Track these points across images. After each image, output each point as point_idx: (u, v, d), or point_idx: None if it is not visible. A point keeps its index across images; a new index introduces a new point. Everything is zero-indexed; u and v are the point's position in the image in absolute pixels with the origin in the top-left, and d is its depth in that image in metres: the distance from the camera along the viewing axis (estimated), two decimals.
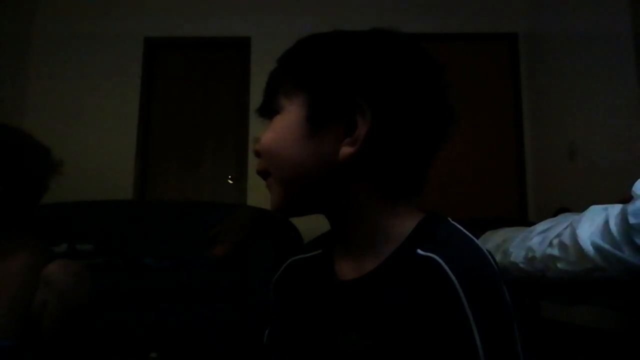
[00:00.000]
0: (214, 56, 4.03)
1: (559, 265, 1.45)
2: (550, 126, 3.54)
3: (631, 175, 1.34)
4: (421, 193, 0.61)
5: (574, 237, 1.37)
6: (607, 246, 1.25)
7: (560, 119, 3.38)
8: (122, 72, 3.86)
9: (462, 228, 0.57)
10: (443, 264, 0.51)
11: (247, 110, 3.61)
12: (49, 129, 2.84)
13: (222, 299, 2.42)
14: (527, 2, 3.84)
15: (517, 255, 1.71)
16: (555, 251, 1.48)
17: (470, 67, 3.76)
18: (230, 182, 3.84)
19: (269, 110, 0.62)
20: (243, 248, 2.63)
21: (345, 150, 0.56)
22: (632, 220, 1.18)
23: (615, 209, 1.29)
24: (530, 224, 2.09)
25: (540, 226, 1.71)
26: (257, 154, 0.62)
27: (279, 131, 0.60)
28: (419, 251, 0.54)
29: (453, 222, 0.58)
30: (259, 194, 3.20)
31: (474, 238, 0.55)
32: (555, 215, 2.06)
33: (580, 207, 1.57)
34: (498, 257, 1.81)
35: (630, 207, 1.20)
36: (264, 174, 0.62)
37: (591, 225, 1.34)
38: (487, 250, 0.55)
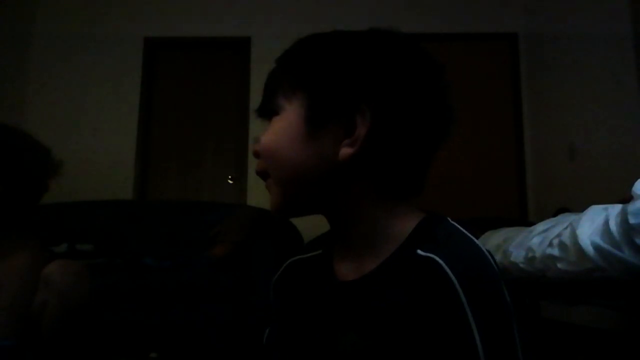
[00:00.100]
0: (214, 56, 4.03)
1: (559, 265, 1.45)
2: (550, 126, 3.54)
3: (631, 175, 1.34)
4: (421, 193, 0.61)
5: (574, 237, 1.37)
6: (607, 246, 1.25)
7: (560, 119, 3.38)
8: (122, 72, 3.86)
9: (462, 228, 0.57)
10: (443, 264, 0.51)
11: (247, 110, 3.61)
12: (49, 129, 2.85)
13: (222, 299, 2.42)
14: (527, 2, 3.84)
15: (517, 255, 1.71)
16: (555, 251, 1.48)
17: (470, 67, 3.75)
18: (230, 182, 3.84)
19: (268, 111, 0.62)
20: (243, 248, 2.63)
21: (345, 150, 0.56)
22: (632, 220, 1.18)
23: (615, 209, 1.29)
24: (530, 224, 2.08)
25: (540, 226, 1.71)
26: (257, 154, 0.62)
27: (278, 132, 0.60)
28: (419, 251, 0.54)
29: (453, 222, 0.58)
30: (259, 194, 3.20)
31: (473, 238, 0.55)
32: (555, 215, 2.06)
33: (580, 207, 1.57)
34: (498, 257, 1.81)
35: (630, 207, 1.20)
36: (263, 174, 0.62)
37: (591, 225, 1.34)
38: (487, 250, 0.55)
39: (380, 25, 0.61)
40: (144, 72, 3.90)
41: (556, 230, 1.54)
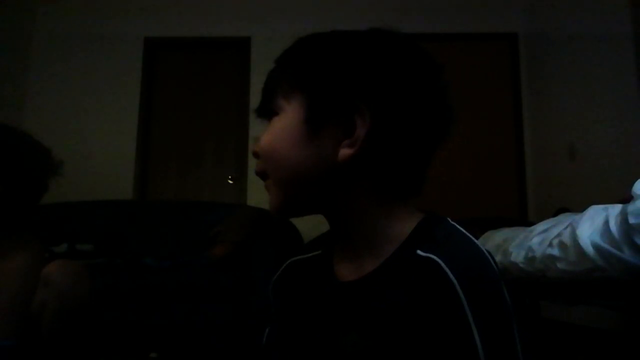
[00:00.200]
0: (214, 56, 4.03)
1: (559, 265, 1.45)
2: (550, 126, 3.54)
3: (631, 175, 1.34)
4: (420, 193, 0.61)
5: (574, 237, 1.37)
6: (607, 246, 1.25)
7: (560, 119, 3.38)
8: (122, 72, 3.86)
9: (461, 228, 0.57)
10: (443, 264, 0.51)
11: (247, 110, 3.60)
12: (49, 129, 2.84)
13: (222, 299, 2.42)
14: (527, 2, 3.84)
15: (517, 255, 1.71)
16: (555, 251, 1.48)
17: (470, 67, 3.75)
18: (230, 182, 3.84)
19: (267, 111, 0.62)
20: (243, 248, 2.63)
21: (345, 151, 0.56)
22: (632, 220, 1.18)
23: (615, 209, 1.29)
24: (530, 224, 2.08)
25: (540, 226, 1.71)
26: (256, 155, 0.62)
27: (277, 133, 0.59)
28: (419, 252, 0.54)
29: (452, 223, 0.58)
30: (259, 194, 3.19)
31: (473, 238, 0.55)
32: (555, 215, 2.06)
33: (580, 207, 1.57)
34: (498, 257, 1.81)
35: (630, 207, 1.20)
36: (262, 175, 0.62)
37: (591, 225, 1.34)
38: (487, 250, 0.55)
39: (380, 25, 0.61)
40: (144, 72, 3.90)
41: (556, 230, 1.54)
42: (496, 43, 3.92)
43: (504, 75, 3.89)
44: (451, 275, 0.50)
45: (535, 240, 1.63)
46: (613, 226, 1.25)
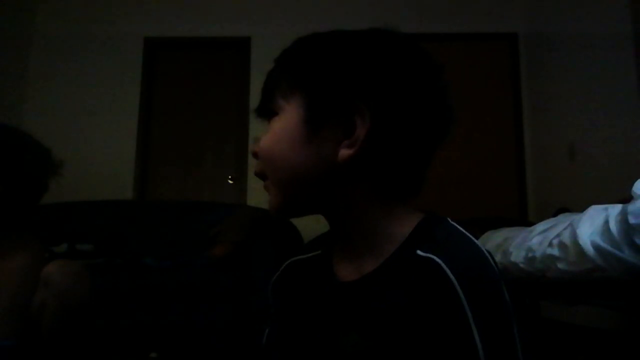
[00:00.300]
0: (214, 56, 4.03)
1: (559, 265, 1.45)
2: (550, 126, 3.54)
3: (631, 175, 1.34)
4: (420, 194, 0.61)
5: (574, 237, 1.37)
6: (607, 246, 1.25)
7: (560, 119, 3.38)
8: (122, 72, 3.86)
9: (461, 228, 0.57)
10: (443, 264, 0.51)
11: (247, 110, 3.60)
12: (49, 129, 2.84)
13: (222, 299, 2.42)
14: (527, 2, 3.84)
15: (517, 255, 1.71)
16: (555, 251, 1.48)
17: (470, 67, 3.75)
18: (230, 182, 3.84)
19: (267, 111, 0.61)
20: (243, 248, 2.63)
21: (344, 152, 0.56)
22: (632, 220, 1.18)
23: (615, 209, 1.29)
24: (530, 224, 2.08)
25: (540, 226, 1.71)
26: (255, 155, 0.61)
27: (277, 134, 0.59)
28: (419, 252, 0.54)
29: (452, 223, 0.57)
30: (259, 194, 3.18)
31: (473, 238, 0.55)
32: (555, 215, 2.06)
33: (580, 207, 1.57)
34: (498, 257, 1.81)
35: (630, 207, 1.20)
36: (262, 175, 0.61)
37: (591, 225, 1.34)
38: (487, 250, 0.55)
39: (380, 25, 0.61)
40: (144, 72, 3.90)
41: (556, 230, 1.54)
42: (496, 43, 3.92)
43: (504, 75, 3.89)
44: (451, 276, 0.50)
45: (535, 240, 1.63)
46: (613, 226, 1.25)
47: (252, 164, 0.62)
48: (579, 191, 3.02)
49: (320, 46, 0.60)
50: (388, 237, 0.58)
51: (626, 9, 2.63)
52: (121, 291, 2.32)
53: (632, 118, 2.61)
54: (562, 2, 3.37)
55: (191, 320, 2.37)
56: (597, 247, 1.28)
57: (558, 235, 1.50)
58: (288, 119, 0.58)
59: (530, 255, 1.62)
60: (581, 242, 1.32)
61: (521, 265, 1.67)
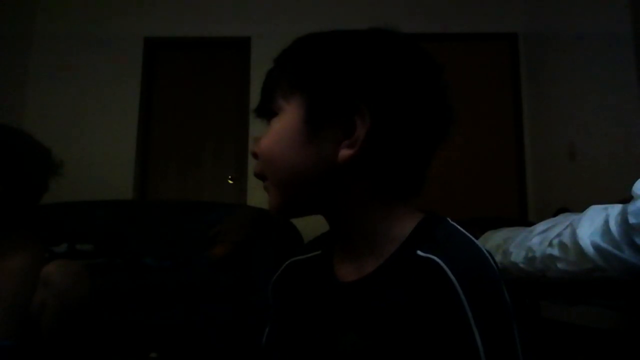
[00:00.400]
0: (214, 56, 4.03)
1: (559, 265, 1.45)
2: (550, 126, 3.54)
3: (631, 175, 1.34)
4: (420, 193, 0.61)
5: (574, 237, 1.37)
6: (607, 246, 1.25)
7: (560, 119, 3.38)
8: (122, 72, 3.86)
9: (461, 228, 0.57)
10: (443, 265, 0.51)
11: (247, 111, 3.60)
12: (49, 130, 2.84)
13: (222, 299, 2.42)
14: (527, 2, 3.84)
15: (517, 255, 1.71)
16: (555, 251, 1.48)
17: (470, 67, 3.75)
18: (230, 182, 3.84)
19: (266, 111, 0.61)
20: (243, 248, 2.63)
21: (344, 152, 0.56)
22: (632, 220, 1.18)
23: (615, 209, 1.29)
24: (530, 224, 2.09)
25: (540, 226, 1.71)
26: (255, 155, 0.61)
27: (277, 134, 0.59)
28: (419, 252, 0.54)
29: (452, 223, 0.57)
30: (259, 194, 3.18)
31: (473, 238, 0.55)
32: (555, 215, 2.06)
33: (580, 207, 1.57)
34: (498, 257, 1.81)
35: (630, 207, 1.20)
36: (261, 176, 0.61)
37: (591, 225, 1.34)
38: (487, 250, 0.55)
39: (380, 25, 0.61)
40: (144, 72, 3.90)
41: (556, 230, 1.54)
42: (496, 43, 3.92)
43: (504, 75, 3.89)
44: (451, 276, 0.50)
45: (535, 240, 1.63)
46: (613, 226, 1.25)
47: (252, 164, 0.62)
48: (579, 191, 3.02)
49: (320, 46, 0.59)
50: (388, 237, 0.58)
51: (626, 9, 2.63)
52: (121, 291, 2.32)
53: (632, 118, 2.61)
54: (562, 2, 3.37)
55: (191, 320, 2.37)
56: (597, 247, 1.28)
57: (558, 235, 1.50)
58: (288, 119, 0.58)
59: (530, 255, 1.62)
60: (581, 242, 1.32)
61: (521, 265, 1.67)
